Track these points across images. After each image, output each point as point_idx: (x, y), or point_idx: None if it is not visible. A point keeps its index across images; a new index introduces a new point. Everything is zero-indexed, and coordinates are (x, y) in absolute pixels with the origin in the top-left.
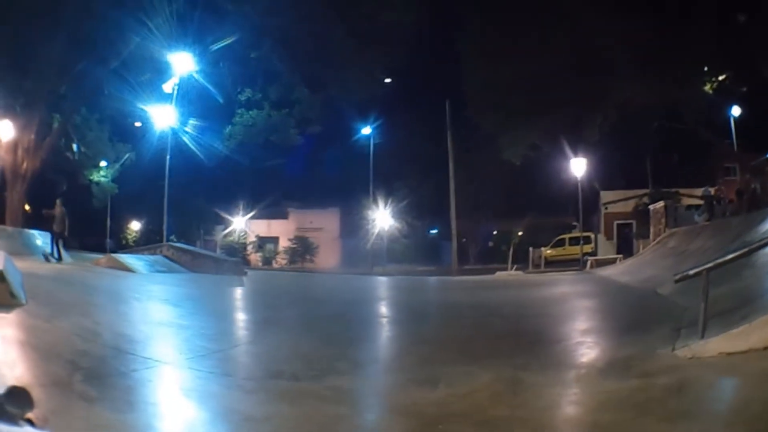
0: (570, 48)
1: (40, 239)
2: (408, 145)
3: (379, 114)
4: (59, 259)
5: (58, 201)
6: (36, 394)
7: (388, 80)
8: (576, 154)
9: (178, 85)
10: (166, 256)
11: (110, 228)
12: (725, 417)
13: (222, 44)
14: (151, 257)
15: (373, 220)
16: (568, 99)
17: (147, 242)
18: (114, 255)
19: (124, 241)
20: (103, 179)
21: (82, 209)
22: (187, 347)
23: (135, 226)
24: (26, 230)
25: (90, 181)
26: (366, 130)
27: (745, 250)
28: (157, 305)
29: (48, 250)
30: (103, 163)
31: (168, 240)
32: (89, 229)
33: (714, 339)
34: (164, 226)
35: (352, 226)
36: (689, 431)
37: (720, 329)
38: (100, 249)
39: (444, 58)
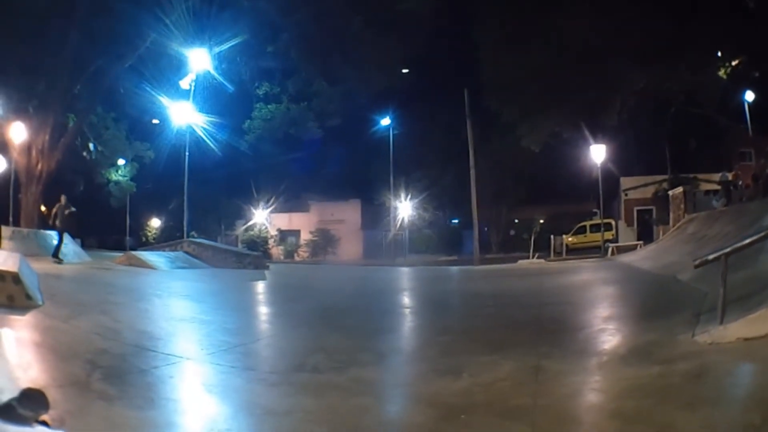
0: (587, 34)
1: (57, 240)
2: (427, 135)
3: (398, 105)
4: (56, 257)
5: (62, 198)
6: (53, 395)
7: (406, 71)
8: (595, 140)
9: (195, 81)
10: (186, 252)
11: (130, 226)
12: (744, 403)
13: (238, 39)
14: (172, 254)
15: (395, 211)
16: (586, 85)
17: (167, 239)
18: (134, 252)
19: (144, 239)
20: (121, 178)
21: (101, 209)
22: (208, 342)
23: (155, 223)
24: (42, 231)
25: (108, 180)
26: (385, 121)
27: (763, 234)
28: (178, 301)
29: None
30: (121, 162)
31: (188, 236)
32: (109, 227)
33: (733, 324)
34: (185, 222)
35: (374, 217)
36: (709, 417)
37: (739, 314)
38: (120, 247)
39: (461, 46)
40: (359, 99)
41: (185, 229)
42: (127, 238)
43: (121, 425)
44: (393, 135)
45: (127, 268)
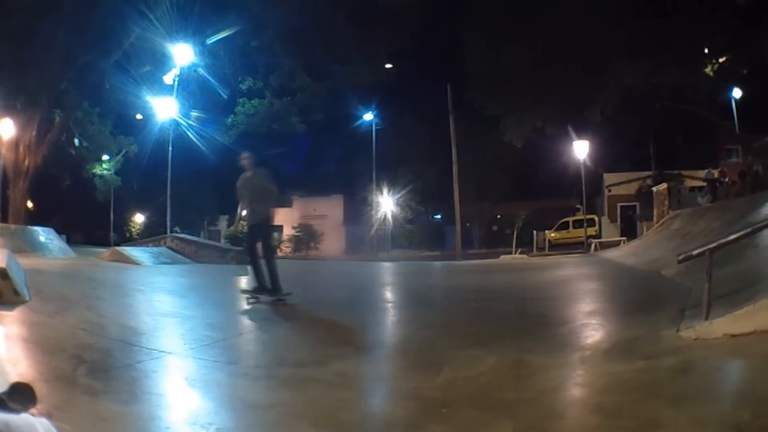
0: (572, 29)
1: (44, 236)
2: (411, 130)
3: (382, 100)
4: None
5: None
6: (40, 389)
7: (389, 66)
8: (579, 136)
9: (179, 76)
10: (170, 248)
11: (114, 221)
12: (731, 399)
13: (223, 34)
14: (155, 249)
15: (377, 206)
16: (571, 81)
17: (151, 234)
18: (118, 248)
19: (128, 234)
20: (106, 172)
21: (87, 204)
22: (191, 337)
23: (139, 218)
24: (29, 227)
25: (93, 174)
26: (368, 116)
27: (749, 230)
28: (162, 296)
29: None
30: (105, 157)
31: (171, 231)
32: (94, 223)
33: (718, 320)
34: (167, 218)
35: (357, 212)
36: (696, 413)
37: (724, 310)
38: (105, 243)
39: (446, 41)
40: (343, 94)
41: (168, 224)
42: (112, 233)
43: (106, 419)
44: (376, 130)
45: (111, 264)
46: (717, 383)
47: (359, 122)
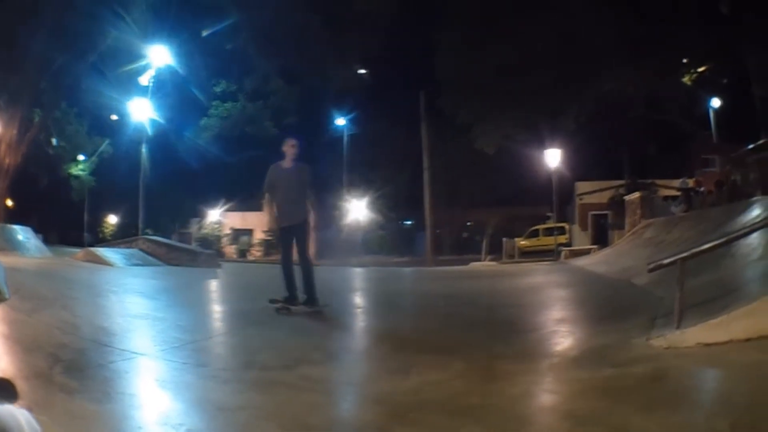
0: (546, 37)
1: (22, 235)
2: (383, 135)
3: (355, 105)
4: None
5: None
6: (19, 386)
7: (363, 71)
8: (551, 144)
9: (155, 77)
10: (141, 249)
11: (88, 222)
12: (707, 408)
13: (198, 36)
14: (127, 251)
15: (348, 212)
16: (544, 89)
17: (124, 235)
18: (92, 249)
19: (101, 235)
20: (81, 173)
21: (63, 204)
22: (162, 339)
23: (112, 219)
24: (8, 226)
25: (69, 175)
26: (340, 121)
27: (723, 240)
28: (134, 298)
29: None
30: (81, 157)
31: (143, 233)
32: (69, 223)
33: (691, 329)
34: (140, 219)
35: (327, 217)
36: (668, 421)
37: (698, 319)
38: (80, 243)
39: (419, 48)
40: (316, 98)
41: (140, 226)
42: (86, 234)
43: (82, 417)
44: (348, 135)
45: (85, 264)
46: (690, 391)
47: (331, 127)
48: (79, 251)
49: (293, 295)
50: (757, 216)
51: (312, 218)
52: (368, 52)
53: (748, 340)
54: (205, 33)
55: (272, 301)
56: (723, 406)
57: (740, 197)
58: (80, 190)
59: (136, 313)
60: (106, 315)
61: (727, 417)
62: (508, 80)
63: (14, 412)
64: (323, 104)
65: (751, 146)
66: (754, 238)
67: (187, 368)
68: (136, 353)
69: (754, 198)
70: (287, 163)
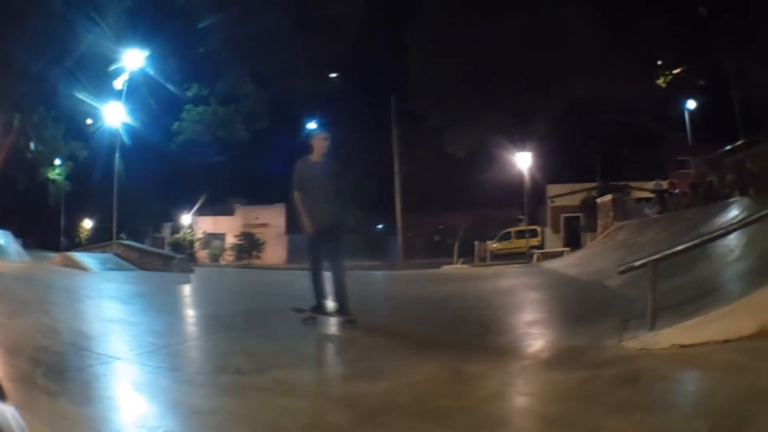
0: (517, 41)
1: (2, 239)
2: (354, 139)
3: (325, 108)
4: None
5: None
6: (5, 387)
7: (333, 75)
8: (523, 147)
9: (128, 82)
10: (116, 254)
11: (65, 226)
12: (686, 410)
13: (171, 40)
14: (102, 255)
15: None
16: (516, 92)
17: (99, 240)
18: (68, 254)
19: (77, 239)
20: (57, 177)
21: (41, 208)
22: (136, 343)
23: (88, 224)
24: None
25: (46, 179)
26: (311, 125)
27: (696, 241)
28: (109, 303)
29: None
30: (57, 161)
31: (118, 238)
32: (47, 227)
33: (665, 330)
34: (114, 224)
35: (299, 221)
36: (643, 423)
37: (673, 321)
38: (57, 248)
39: (390, 51)
40: (287, 102)
41: (114, 231)
42: (62, 238)
43: (65, 419)
44: None
45: (62, 269)
46: (666, 393)
47: (303, 131)
48: (56, 256)
49: (321, 304)
50: (734, 217)
51: (345, 219)
52: (339, 56)
53: (726, 341)
54: (176, 38)
55: (297, 311)
56: (702, 408)
57: (716, 199)
58: (57, 194)
59: (111, 317)
60: (83, 319)
61: (706, 419)
62: (478, 84)
63: (2, 408)
64: (294, 108)
65: (728, 147)
66: (732, 239)
67: (161, 372)
68: (112, 357)
69: (732, 199)
70: (316, 158)
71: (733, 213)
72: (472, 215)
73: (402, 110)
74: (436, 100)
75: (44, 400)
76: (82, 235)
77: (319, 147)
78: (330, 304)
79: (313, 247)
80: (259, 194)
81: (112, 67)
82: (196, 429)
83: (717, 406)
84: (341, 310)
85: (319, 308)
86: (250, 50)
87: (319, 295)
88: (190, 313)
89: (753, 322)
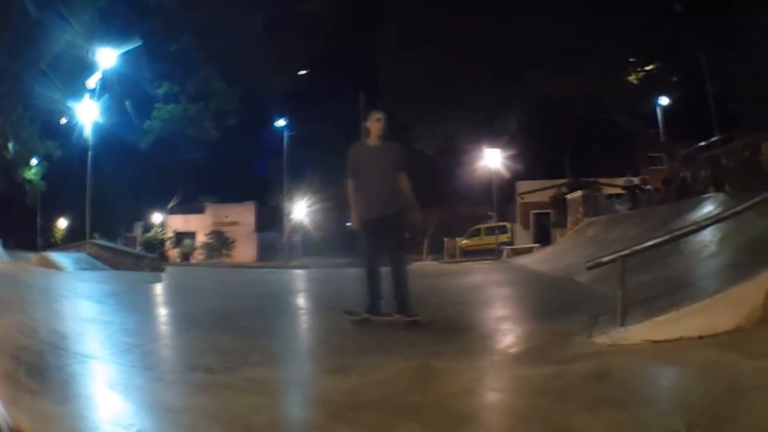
0: (486, 38)
1: None
2: (324, 136)
3: (295, 105)
4: None
5: None
6: None
7: (304, 72)
8: (493, 144)
9: (102, 81)
10: (89, 254)
11: (41, 226)
12: (661, 406)
13: (143, 39)
14: (76, 255)
15: (289, 213)
16: (486, 89)
17: (73, 239)
18: (45, 254)
19: (52, 239)
20: (34, 177)
21: (20, 208)
22: (110, 342)
23: (62, 223)
24: None
25: (24, 179)
26: (281, 123)
27: (667, 237)
28: (83, 302)
29: None
30: (34, 161)
31: (91, 237)
32: (25, 227)
33: (636, 326)
34: (87, 224)
35: (269, 219)
36: (614, 419)
37: (644, 316)
38: (34, 248)
39: (361, 48)
40: (257, 99)
41: (88, 230)
42: (39, 238)
43: (47, 417)
44: (289, 136)
45: (39, 269)
46: (639, 389)
47: (272, 128)
48: (34, 256)
49: (376, 305)
50: (708, 213)
51: (412, 210)
52: (309, 53)
53: (701, 337)
54: (148, 37)
55: (349, 313)
56: (677, 405)
57: (690, 195)
58: (33, 194)
59: (86, 317)
60: (59, 319)
61: (682, 415)
62: (447, 81)
63: None
64: (264, 106)
65: (703, 144)
66: (707, 234)
67: (135, 371)
68: (88, 356)
69: (706, 195)
70: (373, 141)
71: (707, 209)
72: (441, 212)
73: (372, 107)
74: (405, 97)
75: (28, 398)
76: (57, 235)
77: (374, 129)
78: (384, 303)
79: (369, 239)
80: (229, 192)
81: (86, 67)
82: (169, 427)
83: (694, 403)
84: (402, 309)
85: (375, 309)
86: (220, 48)
87: (375, 294)
88: (162, 312)
89: (730, 318)
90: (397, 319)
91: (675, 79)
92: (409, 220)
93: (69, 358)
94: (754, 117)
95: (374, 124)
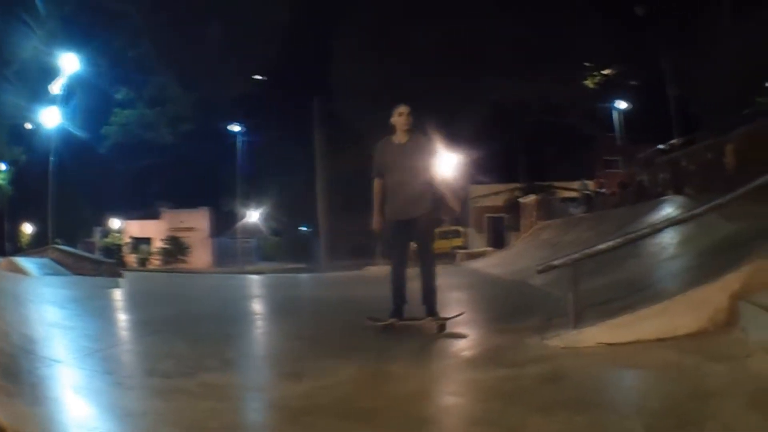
0: (442, 43)
1: None
2: (279, 142)
3: (251, 111)
4: None
5: None
6: None
7: (259, 77)
8: (446, 149)
9: (65, 86)
10: (52, 259)
11: (9, 231)
12: (619, 409)
13: (104, 45)
14: (40, 260)
15: (243, 219)
16: (439, 94)
17: (38, 244)
18: (12, 259)
19: (19, 244)
20: (2, 182)
21: None
22: (74, 347)
23: (28, 228)
24: None
25: None
26: (235, 128)
27: (620, 240)
28: (48, 307)
29: None
30: (2, 167)
31: (54, 242)
32: None
33: (590, 329)
34: (50, 229)
35: (224, 224)
36: (570, 421)
37: (599, 319)
38: (2, 252)
39: (317, 55)
40: (213, 105)
41: (50, 235)
42: (7, 243)
43: (24, 418)
44: (244, 142)
45: (8, 273)
46: (594, 392)
47: (228, 134)
48: (2, 261)
49: (400, 309)
50: (667, 215)
51: (450, 203)
52: (266, 60)
53: (660, 340)
54: (108, 42)
55: (373, 320)
56: (636, 407)
57: (648, 198)
58: (1, 199)
59: (51, 321)
60: (28, 323)
61: (641, 419)
62: (402, 86)
63: None
64: (220, 111)
65: (662, 146)
66: (666, 237)
67: (97, 375)
68: (54, 360)
69: (665, 197)
70: (400, 137)
71: (666, 211)
72: None
73: (328, 113)
74: (360, 103)
75: (5, 400)
76: (23, 240)
77: (399, 124)
78: (406, 307)
79: (396, 240)
80: (185, 198)
81: (50, 72)
82: (131, 430)
83: (654, 406)
84: (430, 313)
85: (400, 314)
86: (176, 53)
87: (400, 298)
88: (121, 318)
89: (691, 321)
90: (427, 322)
91: (634, 82)
92: (447, 209)
93: (37, 362)
94: (715, 119)
95: (398, 119)
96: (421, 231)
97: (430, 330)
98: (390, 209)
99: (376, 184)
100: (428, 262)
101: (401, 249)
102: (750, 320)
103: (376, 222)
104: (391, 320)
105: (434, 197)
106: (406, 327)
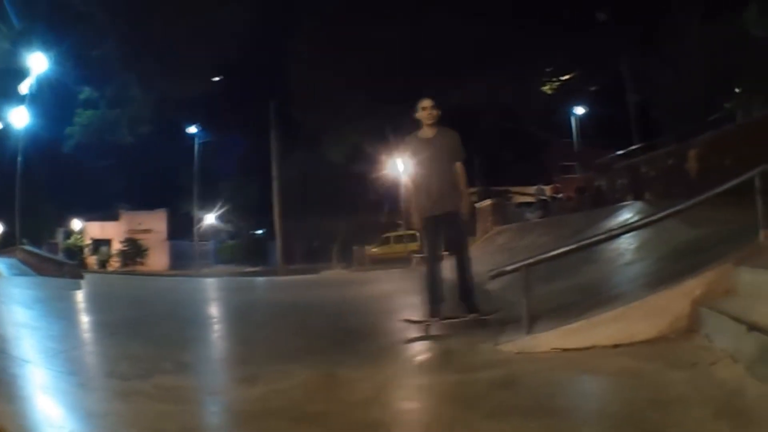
0: (399, 46)
1: None
2: (235, 144)
3: (208, 113)
4: None
5: None
6: None
7: (217, 78)
8: (400, 152)
9: (33, 86)
10: (19, 259)
11: None
12: (572, 415)
13: (70, 44)
14: (8, 260)
15: (199, 221)
16: (393, 98)
17: (5, 245)
18: None
19: None
20: None
21: None
22: (40, 348)
23: None
24: None
25: None
26: (191, 130)
27: (574, 246)
28: (16, 307)
29: None
30: None
31: (20, 243)
32: None
33: (544, 334)
34: (16, 229)
35: (180, 227)
36: (523, 427)
37: (554, 324)
38: None
39: (274, 57)
40: (171, 106)
41: (17, 236)
42: None
43: (3, 415)
44: (200, 144)
45: None
46: (548, 397)
47: (184, 135)
48: None
49: (437, 308)
50: (624, 221)
51: (465, 207)
52: (222, 61)
53: (616, 346)
54: (74, 41)
55: (410, 322)
56: (591, 414)
57: (606, 203)
58: None
59: (19, 322)
60: (1, 323)
61: (599, 426)
62: (357, 89)
63: None
64: (178, 113)
65: (621, 152)
66: (624, 242)
67: (62, 376)
68: (23, 360)
69: (623, 203)
70: (426, 131)
71: (624, 217)
72: (351, 220)
73: (285, 116)
74: (316, 106)
75: None
76: None
77: (424, 118)
78: (443, 305)
79: (430, 237)
80: (143, 199)
81: (19, 71)
82: (94, 430)
83: (612, 413)
84: (470, 308)
85: (437, 312)
86: (137, 53)
87: (436, 297)
88: (82, 319)
89: (650, 327)
90: (471, 318)
91: (593, 88)
92: (463, 210)
93: (8, 361)
94: (677, 125)
95: (422, 113)
96: (452, 225)
97: (471, 323)
98: (424, 205)
99: (410, 182)
100: (463, 255)
101: (436, 246)
102: (714, 327)
103: (416, 219)
104: (431, 320)
105: (462, 193)
106: (360, 329)
